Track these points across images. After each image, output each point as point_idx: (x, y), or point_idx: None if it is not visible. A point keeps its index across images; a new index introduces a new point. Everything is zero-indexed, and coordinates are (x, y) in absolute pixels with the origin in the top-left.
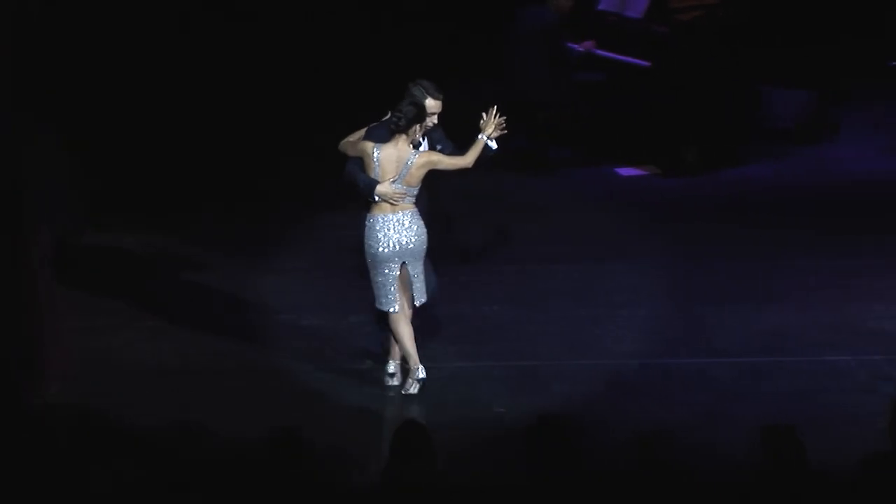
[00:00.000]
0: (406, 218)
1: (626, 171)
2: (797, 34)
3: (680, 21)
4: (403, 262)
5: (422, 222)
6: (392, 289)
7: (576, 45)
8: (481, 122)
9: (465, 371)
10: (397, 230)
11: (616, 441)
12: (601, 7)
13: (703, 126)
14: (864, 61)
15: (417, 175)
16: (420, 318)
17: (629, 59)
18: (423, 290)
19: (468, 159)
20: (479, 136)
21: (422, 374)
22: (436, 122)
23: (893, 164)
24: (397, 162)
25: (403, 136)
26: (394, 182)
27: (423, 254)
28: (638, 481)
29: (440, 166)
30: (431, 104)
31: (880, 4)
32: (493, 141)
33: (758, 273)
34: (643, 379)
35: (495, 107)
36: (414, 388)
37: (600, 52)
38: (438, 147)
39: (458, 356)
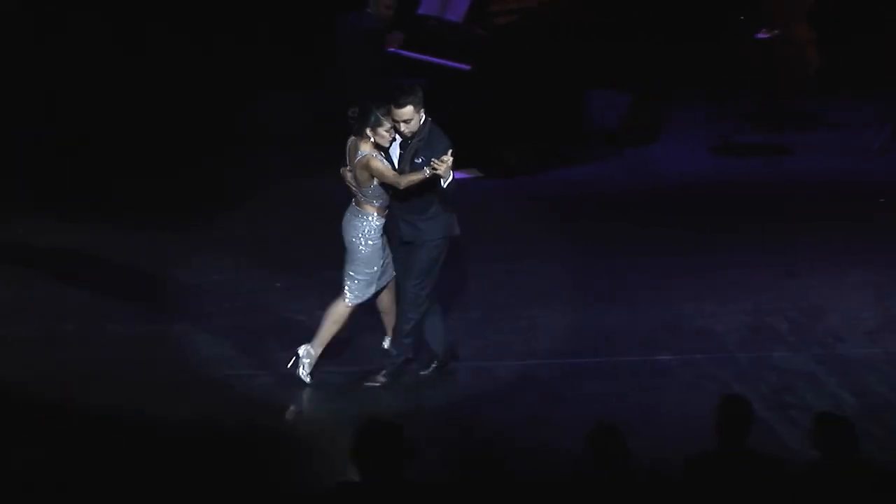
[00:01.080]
0: (348, 212)
1: None
2: (620, 36)
3: (499, 24)
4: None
5: (353, 219)
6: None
7: (397, 50)
8: (433, 160)
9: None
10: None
11: (442, 446)
12: (421, 11)
13: (523, 128)
14: (685, 62)
15: (360, 175)
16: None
17: (450, 62)
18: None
19: (401, 181)
20: (425, 169)
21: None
22: (404, 130)
23: (714, 165)
24: (351, 156)
25: (363, 137)
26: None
27: (348, 248)
28: (459, 486)
29: (376, 174)
30: (392, 112)
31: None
32: (444, 181)
33: (583, 273)
34: (472, 382)
35: (450, 152)
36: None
37: (423, 57)
38: (417, 160)
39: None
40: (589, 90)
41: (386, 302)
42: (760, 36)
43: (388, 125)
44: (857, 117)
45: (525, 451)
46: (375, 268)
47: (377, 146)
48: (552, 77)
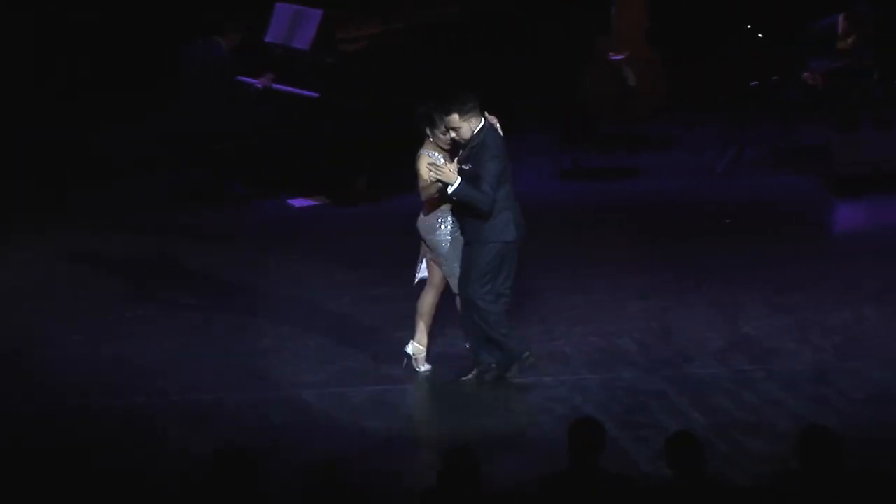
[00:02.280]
0: (422, 210)
1: (297, 202)
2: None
3: (346, 51)
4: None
5: (425, 218)
6: (419, 264)
7: (253, 80)
8: (428, 165)
9: None
10: None
11: (293, 472)
12: (268, 39)
13: (371, 154)
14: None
15: (420, 173)
16: None
17: (298, 90)
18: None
19: (423, 191)
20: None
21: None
22: (455, 137)
23: (563, 188)
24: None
25: (426, 137)
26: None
27: (430, 246)
28: None
29: (420, 178)
30: (445, 119)
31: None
32: (449, 187)
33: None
34: (321, 407)
35: (441, 157)
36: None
37: (278, 87)
38: (465, 167)
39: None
40: None
41: (427, 303)
42: (614, 57)
43: (444, 128)
44: (702, 139)
45: (380, 476)
46: (455, 264)
47: (454, 146)
48: (399, 102)
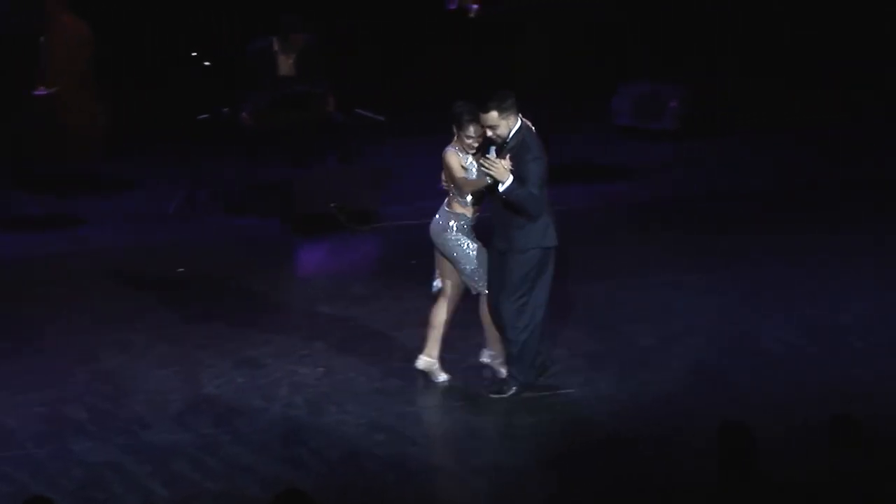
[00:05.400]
0: (438, 212)
1: None
2: None
3: None
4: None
5: (440, 220)
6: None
7: None
8: (481, 162)
9: None
10: None
11: None
12: None
13: None
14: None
15: (445, 171)
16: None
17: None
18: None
19: (465, 185)
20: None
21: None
22: (492, 135)
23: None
24: None
25: (455, 135)
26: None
27: (438, 246)
28: None
29: (446, 170)
30: (482, 118)
31: None
32: (501, 185)
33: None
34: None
35: (493, 151)
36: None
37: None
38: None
39: None
40: None
41: (439, 314)
42: (38, 93)
43: (472, 128)
44: (150, 179)
45: None
46: (470, 266)
47: (486, 144)
48: None
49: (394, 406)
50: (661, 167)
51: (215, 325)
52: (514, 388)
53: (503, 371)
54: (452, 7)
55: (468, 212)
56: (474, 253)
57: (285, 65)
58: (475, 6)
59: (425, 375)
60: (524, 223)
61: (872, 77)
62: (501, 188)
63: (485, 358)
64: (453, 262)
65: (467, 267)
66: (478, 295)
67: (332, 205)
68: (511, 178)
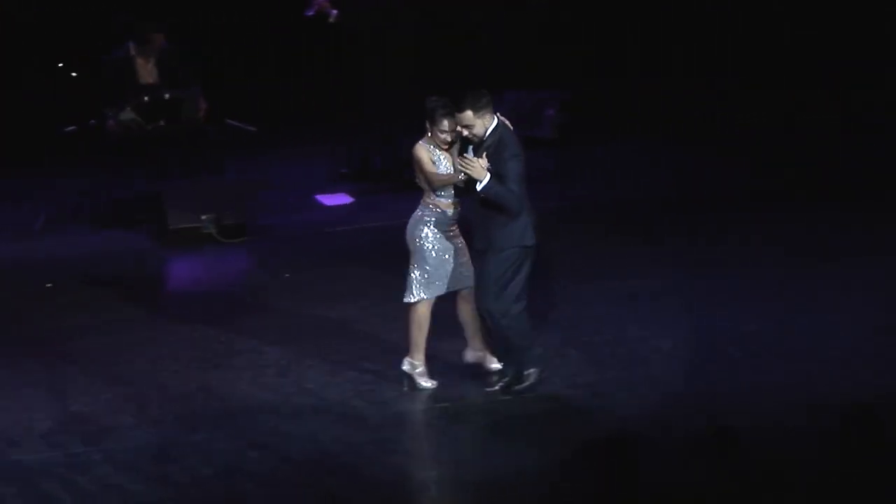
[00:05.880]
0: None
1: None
2: None
3: None
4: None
5: (417, 211)
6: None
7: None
8: (458, 160)
9: None
10: None
11: None
12: None
13: None
14: None
15: (415, 165)
16: None
17: None
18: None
19: (435, 179)
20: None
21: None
22: (468, 134)
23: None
24: None
25: (427, 130)
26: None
27: (406, 236)
28: None
29: (416, 163)
30: (458, 117)
31: None
32: (478, 184)
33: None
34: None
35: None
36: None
37: None
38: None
39: None
40: None
41: (465, 313)
42: None
43: (446, 122)
44: (15, 194)
45: None
46: (429, 267)
47: (465, 144)
48: None
49: (268, 421)
50: (539, 175)
51: (85, 340)
52: (532, 373)
53: (494, 364)
54: (311, 13)
55: (445, 206)
56: (434, 260)
57: (145, 69)
58: (334, 11)
59: (409, 378)
60: (505, 221)
61: (821, 81)
62: (479, 186)
63: (469, 358)
64: (410, 255)
65: (416, 270)
66: (456, 294)
67: (202, 217)
68: (488, 176)
